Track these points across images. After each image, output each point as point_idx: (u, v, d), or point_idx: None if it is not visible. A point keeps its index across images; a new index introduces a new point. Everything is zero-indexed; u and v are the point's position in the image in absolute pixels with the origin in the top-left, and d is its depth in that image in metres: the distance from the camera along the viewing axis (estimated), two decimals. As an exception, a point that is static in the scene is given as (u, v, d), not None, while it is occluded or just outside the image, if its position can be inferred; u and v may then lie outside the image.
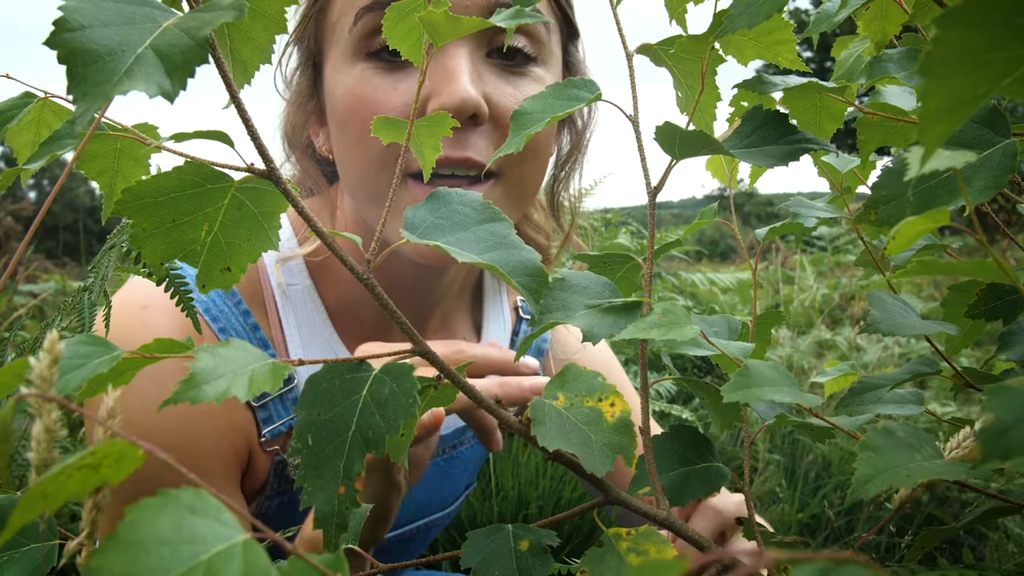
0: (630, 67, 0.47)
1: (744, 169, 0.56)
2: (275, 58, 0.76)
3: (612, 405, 0.38)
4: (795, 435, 1.64)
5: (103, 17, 0.31)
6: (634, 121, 0.46)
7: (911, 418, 0.42)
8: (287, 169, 0.82)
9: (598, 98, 0.46)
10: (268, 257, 0.76)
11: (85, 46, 0.30)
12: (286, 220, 0.79)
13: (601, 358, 0.93)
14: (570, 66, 0.77)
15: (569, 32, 0.75)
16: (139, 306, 0.67)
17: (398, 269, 0.74)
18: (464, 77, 0.63)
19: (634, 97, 0.47)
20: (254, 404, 0.71)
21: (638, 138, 0.46)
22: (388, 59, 0.65)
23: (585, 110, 0.82)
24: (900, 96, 0.44)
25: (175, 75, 0.30)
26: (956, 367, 0.44)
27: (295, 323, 0.75)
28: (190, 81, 0.31)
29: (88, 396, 0.33)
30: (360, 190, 0.70)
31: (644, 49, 0.48)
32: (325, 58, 0.71)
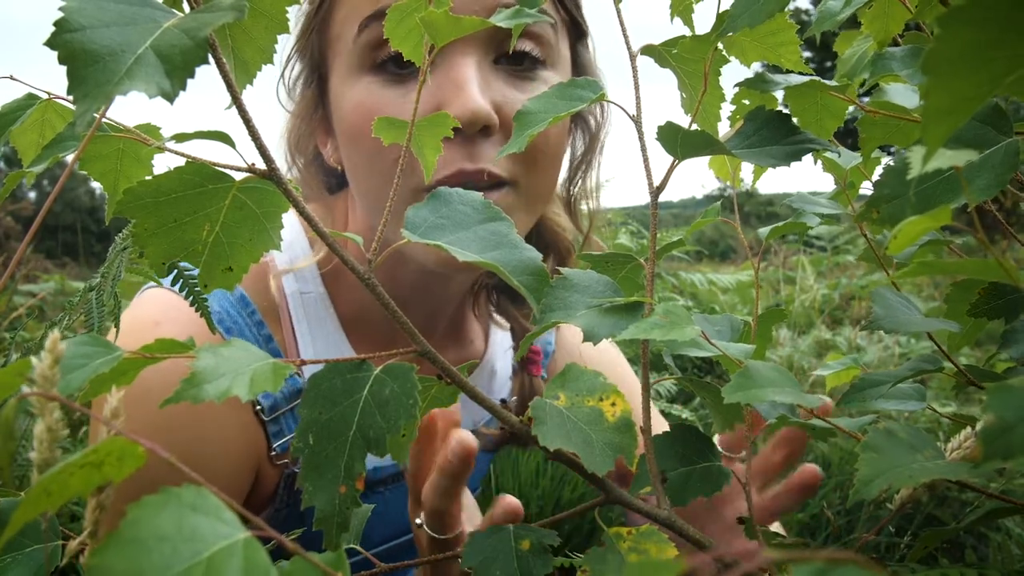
0: (633, 67, 0.47)
1: (746, 169, 0.56)
2: (277, 70, 0.76)
3: (613, 405, 0.38)
4: None
5: (104, 18, 0.31)
6: (637, 121, 0.46)
7: (913, 416, 0.42)
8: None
9: (602, 98, 0.46)
10: (283, 265, 0.76)
11: (86, 46, 0.30)
12: (297, 225, 0.79)
13: (607, 356, 0.93)
14: (580, 66, 0.76)
15: (577, 32, 0.74)
16: (151, 322, 0.67)
17: (406, 275, 0.74)
18: (474, 88, 0.62)
19: (637, 97, 0.47)
20: (265, 418, 0.71)
21: (640, 138, 0.46)
22: (395, 71, 0.65)
23: (598, 110, 0.81)
24: (903, 94, 0.43)
25: (175, 76, 0.30)
26: (958, 365, 0.44)
27: (308, 332, 0.75)
28: (193, 81, 0.31)
29: (90, 396, 0.33)
30: (372, 202, 0.70)
31: (648, 50, 0.48)
32: (330, 70, 0.71)
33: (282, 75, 0.76)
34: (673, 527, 0.39)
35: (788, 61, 0.49)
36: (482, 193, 0.65)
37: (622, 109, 0.47)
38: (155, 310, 0.68)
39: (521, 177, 0.67)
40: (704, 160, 0.55)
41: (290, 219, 0.78)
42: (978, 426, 0.42)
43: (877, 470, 0.36)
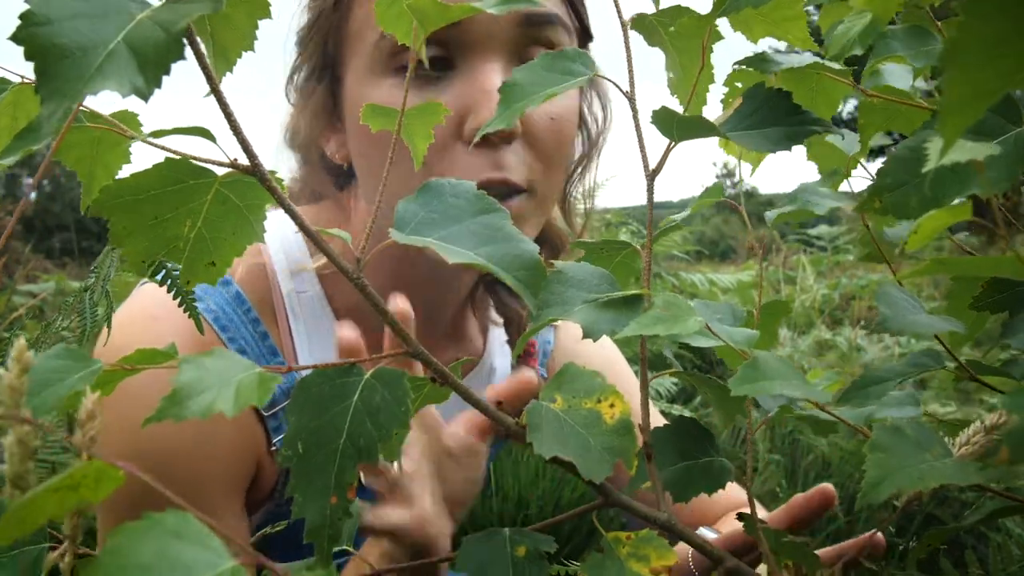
0: (625, 38, 0.44)
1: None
2: (258, 59, 0.74)
3: (611, 406, 0.37)
4: (795, 435, 1.63)
5: (73, 8, 0.30)
6: (631, 98, 0.44)
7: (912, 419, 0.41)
8: (286, 173, 0.81)
9: (594, 74, 0.44)
10: (279, 264, 0.75)
11: (54, 40, 0.28)
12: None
13: (605, 353, 0.92)
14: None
15: (584, 37, 0.74)
16: (149, 316, 0.66)
17: (412, 274, 0.73)
18: None
19: (630, 71, 0.44)
20: (264, 413, 0.70)
21: (635, 117, 0.44)
22: (419, 74, 0.64)
23: (600, 113, 0.81)
24: (898, 75, 0.42)
25: (149, 72, 0.29)
26: (960, 360, 0.43)
27: (305, 331, 0.74)
28: (176, 66, 0.29)
29: (68, 408, 0.32)
30: (391, 202, 0.69)
31: (639, 22, 0.45)
32: (345, 67, 0.70)
33: (295, 69, 0.75)
34: (673, 530, 0.38)
35: (795, 38, 0.47)
36: (499, 201, 0.65)
37: (615, 85, 0.45)
38: (152, 305, 0.67)
39: (537, 182, 0.67)
40: (704, 158, 0.54)
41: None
42: (987, 419, 0.41)
43: (885, 471, 0.35)
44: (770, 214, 0.50)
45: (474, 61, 0.64)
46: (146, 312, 0.67)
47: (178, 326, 0.65)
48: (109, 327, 0.66)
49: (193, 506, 0.70)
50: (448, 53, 0.64)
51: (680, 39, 0.45)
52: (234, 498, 0.69)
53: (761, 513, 0.66)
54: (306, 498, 0.33)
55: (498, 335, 0.89)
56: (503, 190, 0.64)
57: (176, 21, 0.30)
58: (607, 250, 0.48)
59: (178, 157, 0.37)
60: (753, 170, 0.52)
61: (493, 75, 0.62)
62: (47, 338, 0.88)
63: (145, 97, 0.29)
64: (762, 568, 0.57)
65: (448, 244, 0.38)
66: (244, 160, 0.37)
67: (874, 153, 0.50)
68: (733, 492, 0.84)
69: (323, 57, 0.72)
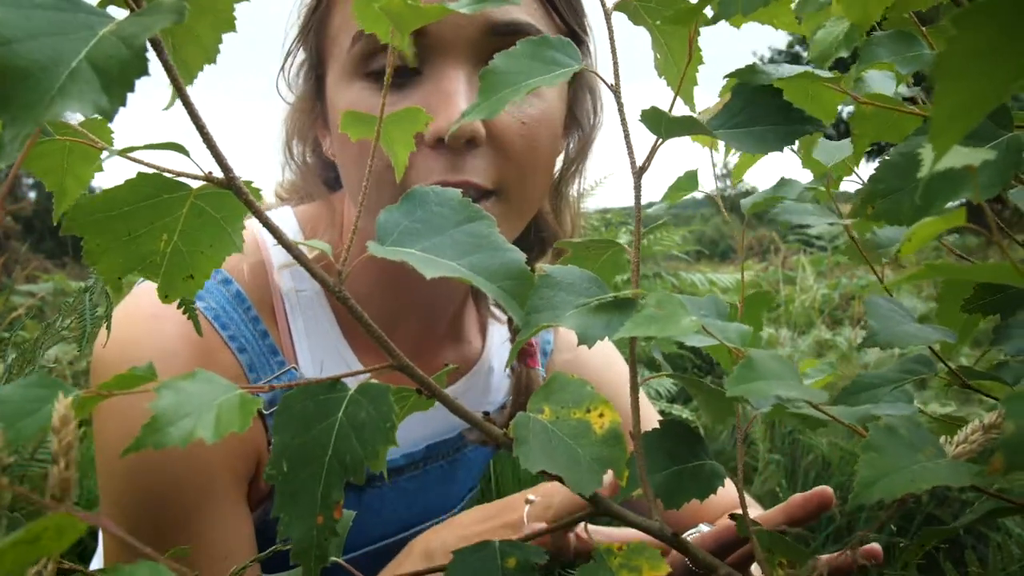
0: (609, 26, 0.43)
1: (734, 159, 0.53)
2: (232, 67, 0.74)
3: (601, 416, 0.36)
4: (795, 435, 1.62)
5: (33, 27, 0.29)
6: (616, 91, 0.43)
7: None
8: (287, 174, 0.80)
9: (580, 66, 0.43)
10: (277, 262, 0.75)
11: (13, 62, 0.27)
12: (295, 223, 0.78)
13: (605, 352, 0.92)
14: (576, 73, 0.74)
15: (574, 41, 0.72)
16: (148, 315, 0.66)
17: (413, 276, 0.72)
18: (461, 100, 0.61)
19: (615, 63, 0.43)
20: (264, 412, 0.70)
21: (620, 110, 0.43)
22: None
23: (592, 111, 0.79)
24: (881, 82, 0.41)
25: (112, 90, 0.28)
26: (950, 365, 0.43)
27: (303, 329, 0.74)
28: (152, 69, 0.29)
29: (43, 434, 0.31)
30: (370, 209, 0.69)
31: (623, 4, 0.44)
32: (326, 68, 0.70)
33: (282, 67, 0.75)
34: (665, 539, 0.37)
35: (782, 23, 0.46)
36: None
37: (600, 79, 0.43)
38: (151, 303, 0.67)
39: (509, 186, 0.65)
40: (704, 159, 0.53)
41: (289, 218, 0.77)
42: (986, 418, 0.40)
43: (878, 471, 0.35)
44: (745, 201, 0.49)
45: (440, 66, 0.63)
46: (146, 310, 0.66)
47: (178, 324, 0.65)
48: (108, 327, 0.66)
49: (198, 505, 0.70)
50: (415, 59, 0.64)
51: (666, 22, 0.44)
52: (237, 496, 0.69)
53: (757, 511, 0.66)
54: (292, 517, 0.33)
55: (497, 333, 0.88)
56: (469, 193, 0.64)
57: (138, 35, 0.29)
58: (593, 248, 0.47)
59: (151, 171, 0.36)
60: (739, 175, 0.51)
61: (455, 81, 0.62)
62: (47, 338, 0.87)
63: (109, 116, 0.28)
64: (755, 568, 0.57)
65: (431, 255, 0.37)
66: (219, 173, 0.36)
67: (869, 154, 0.49)
68: (733, 490, 0.84)
69: (309, 56, 0.72)
